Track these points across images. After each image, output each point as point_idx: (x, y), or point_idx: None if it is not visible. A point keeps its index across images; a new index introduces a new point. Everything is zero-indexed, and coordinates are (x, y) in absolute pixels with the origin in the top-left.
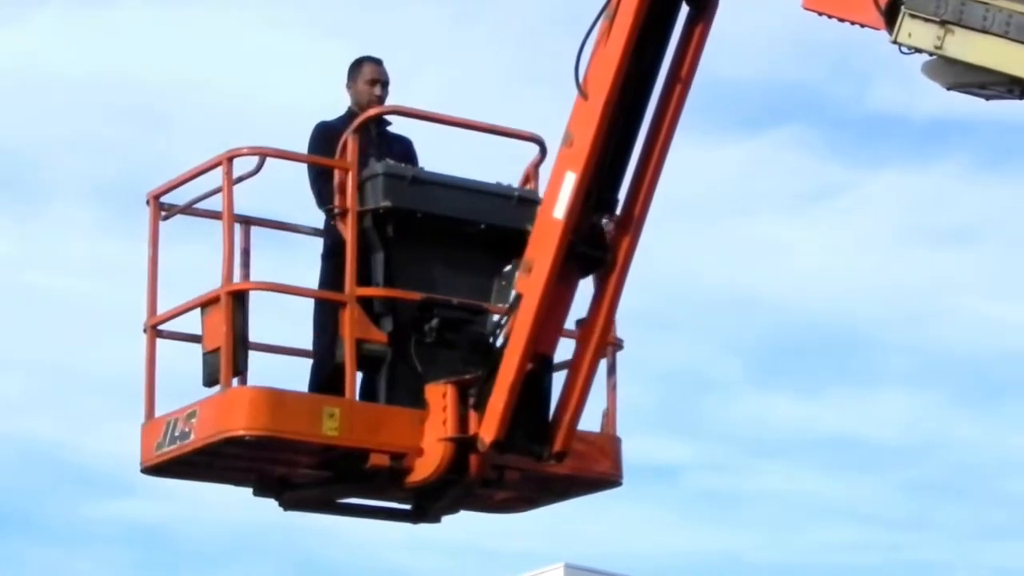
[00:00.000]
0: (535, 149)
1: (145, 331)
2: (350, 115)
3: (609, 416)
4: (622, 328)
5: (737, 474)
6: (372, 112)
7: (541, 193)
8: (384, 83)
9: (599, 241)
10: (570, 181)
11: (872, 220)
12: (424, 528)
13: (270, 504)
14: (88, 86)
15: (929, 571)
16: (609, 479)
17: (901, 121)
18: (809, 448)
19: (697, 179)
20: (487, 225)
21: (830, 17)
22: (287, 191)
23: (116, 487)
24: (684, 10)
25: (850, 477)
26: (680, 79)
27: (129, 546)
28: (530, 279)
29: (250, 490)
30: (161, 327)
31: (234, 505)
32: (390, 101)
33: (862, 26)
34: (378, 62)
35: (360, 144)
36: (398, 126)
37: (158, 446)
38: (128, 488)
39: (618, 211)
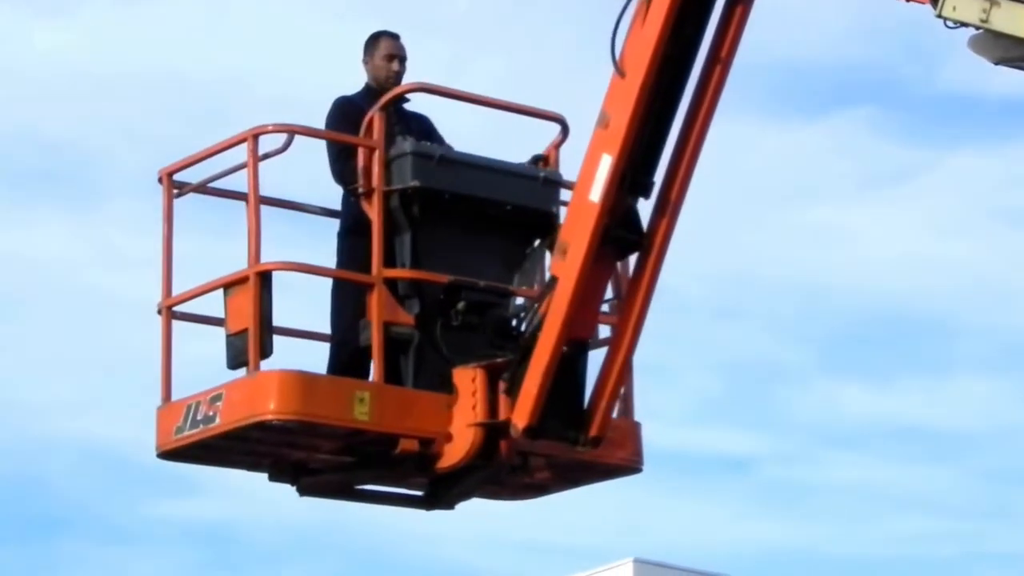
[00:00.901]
0: (556, 129)
1: (160, 312)
2: (368, 91)
3: (627, 400)
4: (687, 316)
5: (809, 465)
6: (400, 89)
7: (563, 174)
8: (402, 59)
9: (634, 225)
10: (606, 164)
11: (945, 202)
12: (491, 524)
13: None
14: (138, 78)
15: (1008, 562)
16: (629, 465)
17: (975, 101)
18: (883, 437)
19: (766, 162)
20: (513, 206)
21: None
22: (294, 169)
23: (177, 486)
24: None
25: (925, 466)
26: (720, 60)
27: (190, 545)
28: (565, 262)
29: (265, 475)
30: (176, 308)
31: (295, 501)
32: (407, 78)
33: (907, 1)
34: (395, 37)
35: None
36: (414, 103)
37: (178, 430)
38: (189, 487)
39: (654, 194)
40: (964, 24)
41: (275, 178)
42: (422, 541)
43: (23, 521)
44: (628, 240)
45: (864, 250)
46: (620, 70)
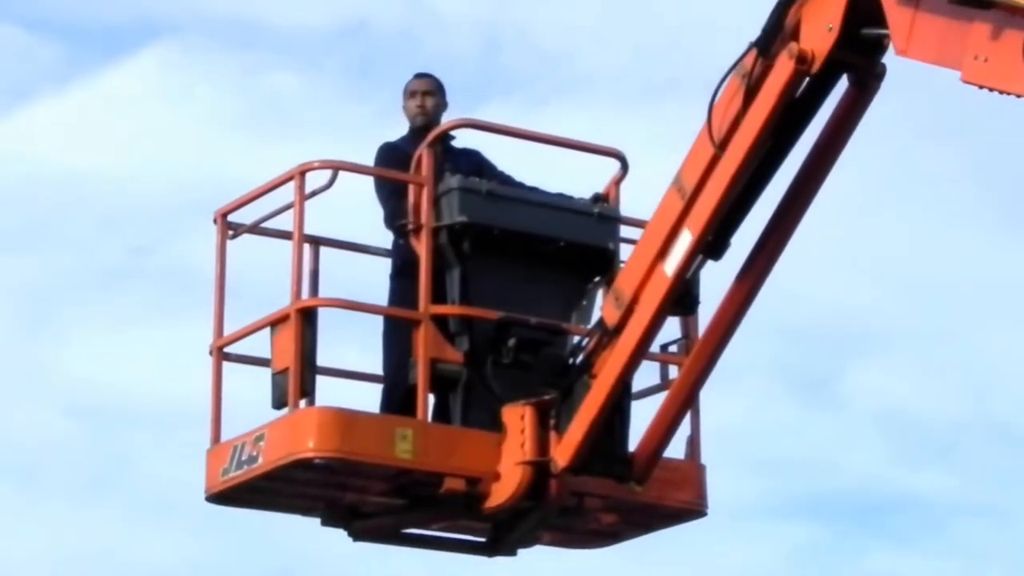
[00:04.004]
0: (616, 164)
1: (211, 353)
2: (412, 134)
3: (694, 443)
4: None
5: None
6: (446, 126)
7: (622, 211)
8: (425, 92)
9: (694, 290)
10: (686, 241)
11: None
12: None
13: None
14: None
15: None
16: (692, 509)
17: None
18: None
19: None
20: (567, 242)
21: (991, 90)
22: (357, 211)
23: None
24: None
25: None
26: (830, 144)
27: None
28: (631, 323)
29: (318, 520)
30: (228, 350)
31: None
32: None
33: (1017, 96)
34: (421, 76)
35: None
36: (465, 139)
37: (224, 472)
38: None
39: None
40: None
41: (340, 221)
42: None
43: None
44: (685, 304)
45: None
46: (717, 146)
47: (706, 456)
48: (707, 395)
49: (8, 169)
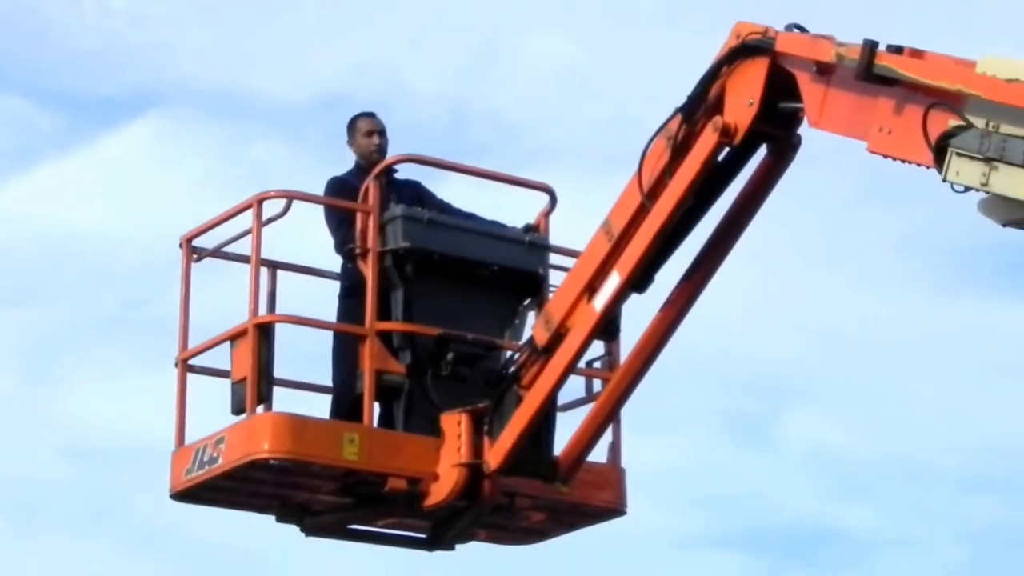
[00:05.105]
0: (545, 197)
1: (176, 365)
2: (358, 168)
3: (615, 449)
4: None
5: None
6: (390, 160)
7: (551, 239)
8: (381, 132)
9: (615, 323)
10: (614, 282)
11: None
12: None
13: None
14: None
15: None
16: (614, 508)
17: None
18: None
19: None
20: (500, 267)
21: (894, 159)
22: (310, 238)
23: None
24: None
25: None
26: (748, 205)
27: None
28: (561, 348)
29: (273, 517)
30: (192, 361)
31: None
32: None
33: (918, 165)
34: (371, 115)
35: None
36: (405, 171)
37: (187, 472)
38: None
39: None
40: (968, 188)
41: (298, 247)
42: None
43: None
44: (608, 332)
45: None
46: (644, 195)
47: (655, 495)
48: (656, 438)
49: (11, 228)
